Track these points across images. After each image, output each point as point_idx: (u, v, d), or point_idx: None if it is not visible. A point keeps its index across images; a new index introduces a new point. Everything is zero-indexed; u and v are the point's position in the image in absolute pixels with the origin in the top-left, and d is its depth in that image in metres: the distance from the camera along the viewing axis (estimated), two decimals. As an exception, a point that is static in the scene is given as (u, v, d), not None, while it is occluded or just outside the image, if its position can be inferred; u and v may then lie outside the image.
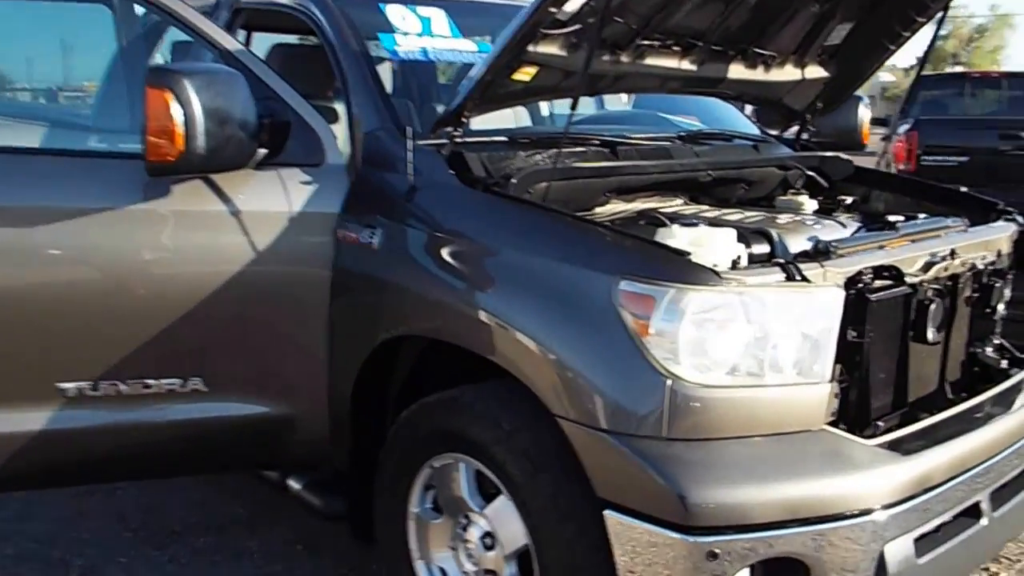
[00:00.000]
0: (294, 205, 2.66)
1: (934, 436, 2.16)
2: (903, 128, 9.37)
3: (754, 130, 3.89)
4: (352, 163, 2.73)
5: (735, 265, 2.11)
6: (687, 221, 2.25)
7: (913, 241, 2.48)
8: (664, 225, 2.37)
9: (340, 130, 2.85)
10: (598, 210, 3.01)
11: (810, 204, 3.40)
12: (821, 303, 2.02)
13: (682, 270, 1.97)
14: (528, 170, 2.57)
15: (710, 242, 2.15)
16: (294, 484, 2.97)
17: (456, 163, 2.55)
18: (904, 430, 2.16)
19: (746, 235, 2.49)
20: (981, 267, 2.60)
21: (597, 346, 2.00)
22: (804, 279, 2.05)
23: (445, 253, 2.36)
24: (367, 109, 2.78)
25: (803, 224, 2.78)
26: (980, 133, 9.54)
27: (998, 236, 2.81)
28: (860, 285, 2.15)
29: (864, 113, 4.28)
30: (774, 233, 2.61)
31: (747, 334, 1.95)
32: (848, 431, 2.07)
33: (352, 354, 2.63)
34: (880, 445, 2.06)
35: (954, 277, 2.50)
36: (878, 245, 2.41)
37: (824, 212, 3.48)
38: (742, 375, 1.95)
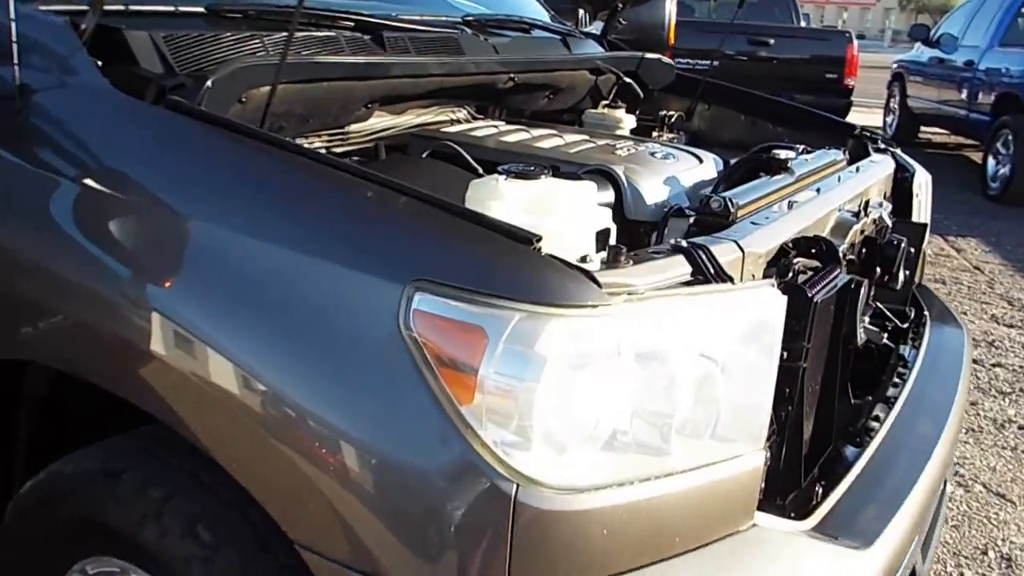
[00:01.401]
0: None
1: (884, 496, 1.44)
2: (656, 28, 8.95)
3: (543, 17, 2.98)
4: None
5: (614, 255, 1.20)
6: (517, 167, 1.31)
7: (818, 190, 1.72)
8: (475, 171, 1.44)
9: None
10: (354, 128, 2.02)
11: (628, 121, 2.61)
12: (754, 317, 1.19)
13: (534, 275, 1.06)
14: (236, 66, 1.52)
15: (565, 208, 1.25)
16: None
17: (108, 48, 1.46)
18: (841, 487, 1.42)
19: (583, 178, 1.64)
20: (888, 222, 1.91)
21: (368, 417, 1.06)
22: (724, 276, 1.21)
23: (80, 215, 1.29)
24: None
25: (647, 156, 1.96)
26: (729, 37, 9.30)
27: (886, 175, 2.14)
28: (790, 274, 1.35)
29: (672, 7, 3.53)
30: (621, 175, 1.77)
31: (643, 386, 1.09)
32: (779, 510, 1.29)
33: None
34: (826, 529, 1.29)
35: (868, 242, 1.79)
36: (781, 198, 1.63)
37: (643, 132, 2.73)
38: (634, 458, 1.09)
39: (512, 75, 2.19)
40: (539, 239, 1.08)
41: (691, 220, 1.49)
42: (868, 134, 2.43)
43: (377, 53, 1.87)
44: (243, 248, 1.17)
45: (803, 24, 11.42)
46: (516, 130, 2.16)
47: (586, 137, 2.15)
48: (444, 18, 2.32)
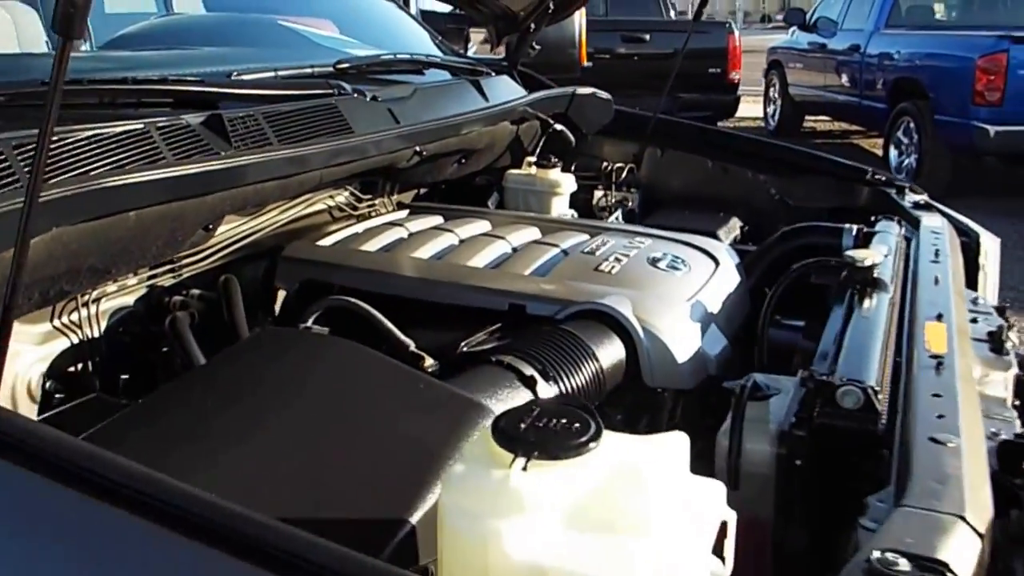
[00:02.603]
0: None
1: None
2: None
3: (430, 47, 2.29)
4: None
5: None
6: (529, 423, 0.63)
7: (940, 316, 1.11)
8: (401, 349, 0.77)
9: None
10: (189, 252, 1.32)
11: (567, 183, 1.99)
12: None
13: None
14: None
15: (649, 510, 0.57)
16: None
17: None
18: None
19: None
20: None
21: None
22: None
23: None
24: None
25: (648, 268, 1.32)
26: (602, 35, 8.82)
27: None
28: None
29: (582, 22, 2.92)
30: (631, 320, 1.12)
31: None
32: None
33: None
34: None
35: (1020, 385, 1.18)
36: (897, 343, 1.02)
37: (583, 193, 2.13)
38: None
39: (420, 149, 1.52)
40: None
41: (790, 418, 0.86)
42: (883, 178, 1.87)
43: (217, 149, 1.16)
44: None
45: (672, 15, 11.07)
46: (433, 230, 1.49)
47: (536, 233, 1.50)
48: (309, 69, 1.62)
